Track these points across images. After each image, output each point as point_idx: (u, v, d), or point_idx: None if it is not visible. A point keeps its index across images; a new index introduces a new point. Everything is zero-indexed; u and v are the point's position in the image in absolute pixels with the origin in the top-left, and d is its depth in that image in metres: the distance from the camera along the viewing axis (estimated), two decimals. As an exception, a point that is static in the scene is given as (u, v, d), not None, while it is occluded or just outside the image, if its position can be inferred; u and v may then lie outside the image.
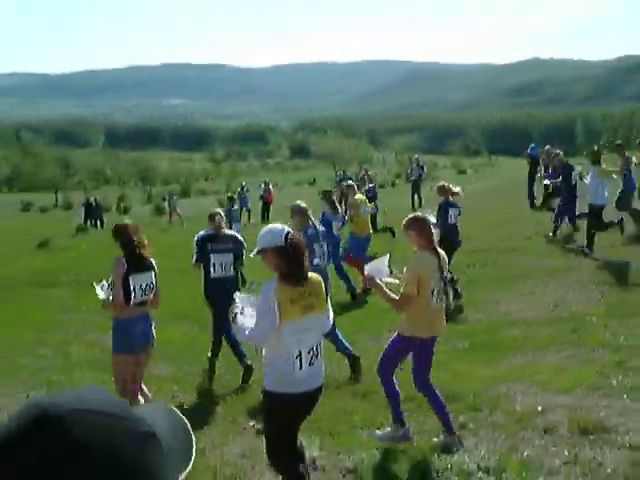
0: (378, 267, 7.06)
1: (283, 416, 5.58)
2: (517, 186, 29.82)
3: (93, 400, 1.04)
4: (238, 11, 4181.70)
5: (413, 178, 32.69)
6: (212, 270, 9.90)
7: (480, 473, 6.20)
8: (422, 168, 32.56)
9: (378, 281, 6.86)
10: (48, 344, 12.82)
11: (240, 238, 10.37)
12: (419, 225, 6.94)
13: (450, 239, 13.36)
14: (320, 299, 5.62)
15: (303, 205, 10.45)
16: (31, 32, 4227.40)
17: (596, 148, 19.00)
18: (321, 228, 10.81)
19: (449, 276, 7.03)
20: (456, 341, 11.41)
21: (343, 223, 15.15)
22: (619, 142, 20.39)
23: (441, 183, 14.67)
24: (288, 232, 5.53)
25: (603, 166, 17.02)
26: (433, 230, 7.27)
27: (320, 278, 5.75)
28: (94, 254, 23.82)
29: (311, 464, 6.62)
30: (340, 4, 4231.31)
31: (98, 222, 41.32)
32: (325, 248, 10.58)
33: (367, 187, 22.63)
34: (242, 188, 38.78)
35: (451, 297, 7.10)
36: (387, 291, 6.86)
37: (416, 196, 31.48)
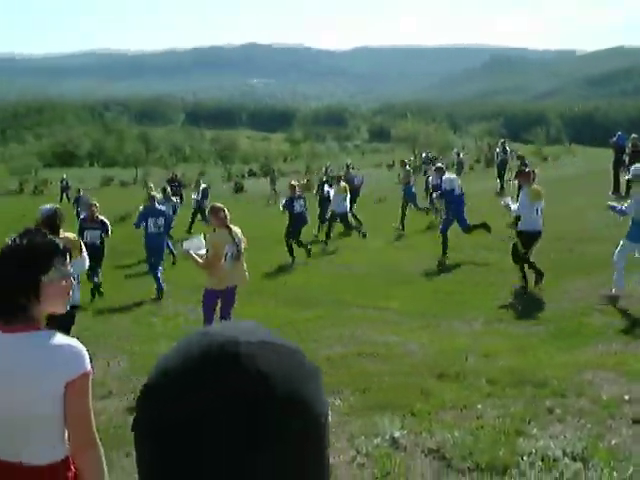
0: (195, 243, 9.81)
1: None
2: (597, 174, 29.36)
3: (260, 332, 1.01)
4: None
5: (497, 162, 32.31)
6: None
7: (566, 459, 6.06)
8: (506, 152, 32.00)
9: (191, 252, 9.56)
10: (131, 314, 12.97)
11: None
12: (214, 212, 9.92)
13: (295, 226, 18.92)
14: (75, 250, 8.20)
15: (153, 193, 17.56)
16: (114, 11, 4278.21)
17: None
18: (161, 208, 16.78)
19: (242, 245, 9.81)
20: (539, 327, 11.27)
21: (174, 210, 21.26)
22: (403, 159, 26.58)
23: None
24: (50, 209, 8.75)
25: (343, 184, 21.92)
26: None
27: (75, 236, 9.25)
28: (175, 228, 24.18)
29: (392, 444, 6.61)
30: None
31: (178, 198, 41.73)
32: (161, 222, 15.99)
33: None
34: (326, 169, 38.92)
35: (241, 257, 9.84)
36: (197, 259, 9.52)
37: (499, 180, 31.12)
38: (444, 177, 18.24)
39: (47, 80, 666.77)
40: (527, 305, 12.77)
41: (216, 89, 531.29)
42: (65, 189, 46.00)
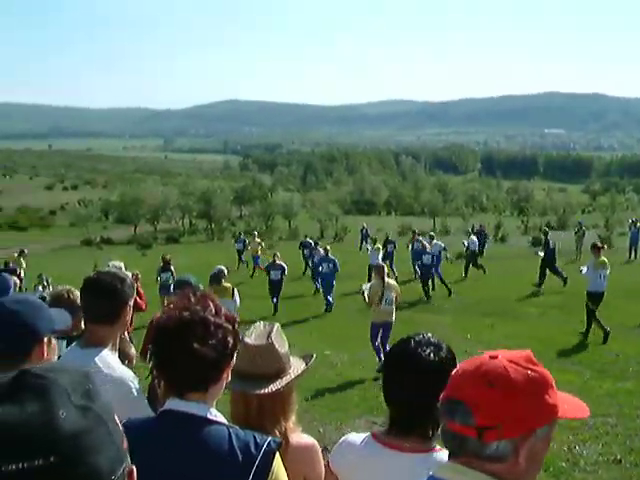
0: (366, 286, 14.46)
1: None
2: None
3: None
4: (614, 38, 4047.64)
5: None
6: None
7: None
8: None
9: (364, 292, 14.07)
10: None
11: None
12: (376, 268, 14.63)
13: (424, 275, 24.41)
14: (227, 293, 12.77)
15: (325, 248, 25.18)
16: (407, 62, 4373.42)
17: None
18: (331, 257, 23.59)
19: (392, 293, 13.79)
20: None
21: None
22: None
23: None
24: (216, 269, 13.76)
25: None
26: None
27: (230, 286, 13.37)
28: (480, 284, 24.69)
29: None
30: None
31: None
32: (330, 266, 22.96)
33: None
34: (635, 223, 36.89)
35: (393, 302, 13.84)
36: (366, 297, 13.97)
37: None
38: (432, 242, 25.66)
39: (343, 128, 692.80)
40: None
41: (511, 138, 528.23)
42: (365, 237, 46.86)
